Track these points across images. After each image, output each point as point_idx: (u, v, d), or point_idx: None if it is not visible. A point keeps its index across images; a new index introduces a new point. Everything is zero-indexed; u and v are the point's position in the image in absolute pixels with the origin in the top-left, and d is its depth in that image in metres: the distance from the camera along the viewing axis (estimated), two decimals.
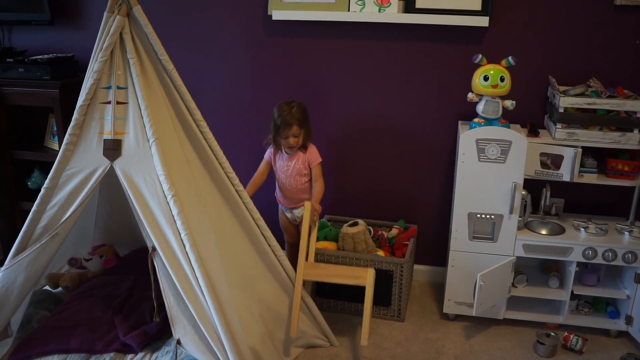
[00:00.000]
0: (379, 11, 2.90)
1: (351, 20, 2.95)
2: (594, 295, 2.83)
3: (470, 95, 2.70)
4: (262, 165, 3.02)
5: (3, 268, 2.31)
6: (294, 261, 2.66)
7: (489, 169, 2.65)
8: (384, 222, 3.25)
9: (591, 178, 2.71)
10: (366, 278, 2.53)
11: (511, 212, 2.68)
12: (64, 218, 2.26)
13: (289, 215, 3.09)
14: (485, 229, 2.75)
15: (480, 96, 2.69)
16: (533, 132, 2.78)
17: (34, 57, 3.20)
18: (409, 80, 3.05)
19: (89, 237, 3.07)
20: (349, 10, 2.93)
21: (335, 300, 2.97)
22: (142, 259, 2.30)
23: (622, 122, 2.61)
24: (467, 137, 2.65)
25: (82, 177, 2.23)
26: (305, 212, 2.64)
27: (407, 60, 3.02)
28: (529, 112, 2.93)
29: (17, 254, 2.29)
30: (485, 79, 2.62)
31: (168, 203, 2.17)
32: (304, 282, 2.61)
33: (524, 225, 2.81)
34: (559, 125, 2.66)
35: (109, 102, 2.22)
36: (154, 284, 2.24)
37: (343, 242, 2.92)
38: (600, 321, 2.80)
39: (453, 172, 3.04)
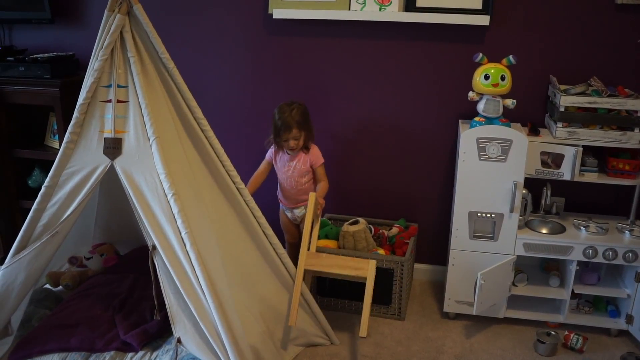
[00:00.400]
0: (380, 10, 2.90)
1: (352, 19, 2.95)
2: (595, 294, 2.83)
3: (470, 94, 2.69)
4: (263, 165, 3.02)
5: (3, 266, 2.31)
6: (294, 261, 2.66)
7: (490, 168, 2.65)
8: (384, 220, 3.25)
9: (592, 177, 2.71)
10: (367, 270, 2.54)
11: (512, 211, 2.68)
12: (65, 216, 2.26)
13: (289, 214, 3.10)
14: (485, 227, 2.75)
15: (481, 95, 2.69)
16: (534, 131, 2.78)
17: (34, 56, 3.20)
18: (409, 79, 3.05)
19: (90, 236, 3.07)
20: (349, 9, 2.93)
21: (335, 299, 2.98)
22: (143, 258, 2.30)
23: (623, 121, 2.60)
24: (468, 136, 2.65)
25: (83, 175, 2.23)
26: (310, 203, 2.65)
27: (407, 59, 3.02)
28: (530, 111, 2.92)
29: (17, 252, 2.29)
30: (486, 77, 2.61)
31: (168, 201, 2.17)
32: (305, 276, 2.61)
33: (525, 224, 2.81)
34: (559, 124, 2.66)
35: (110, 101, 2.22)
36: (154, 283, 2.24)
37: (344, 240, 2.92)
38: (600, 320, 2.79)
39: (454, 171, 3.04)
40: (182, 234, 2.15)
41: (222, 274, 2.23)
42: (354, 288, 2.72)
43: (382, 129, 3.15)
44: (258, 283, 2.46)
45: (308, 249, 2.64)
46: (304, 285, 2.61)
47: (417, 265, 3.32)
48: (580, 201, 2.97)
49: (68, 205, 2.26)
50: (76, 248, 2.98)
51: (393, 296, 2.88)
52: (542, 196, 2.84)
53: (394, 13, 2.89)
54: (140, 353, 2.32)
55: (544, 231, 2.76)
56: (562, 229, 2.77)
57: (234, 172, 2.43)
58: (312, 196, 2.65)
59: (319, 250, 2.80)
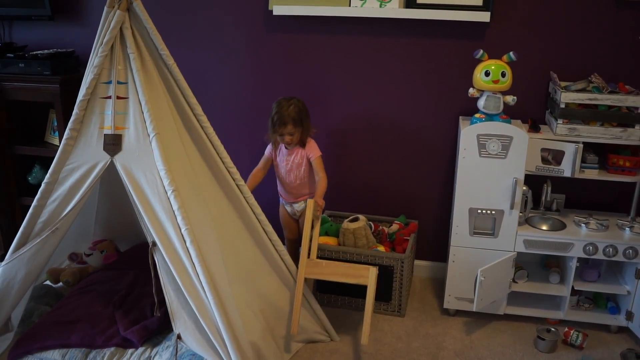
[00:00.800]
0: (380, 6, 2.89)
1: (352, 16, 2.94)
2: (595, 291, 2.83)
3: (471, 90, 2.69)
4: (262, 161, 3.03)
5: (3, 263, 2.31)
6: (293, 257, 2.66)
7: (490, 165, 2.65)
8: (384, 217, 3.25)
9: (592, 174, 2.71)
10: (368, 277, 2.52)
11: (512, 207, 2.68)
12: (65, 213, 2.26)
13: (289, 209, 3.10)
14: (486, 224, 2.75)
15: (482, 92, 2.68)
16: (534, 128, 2.78)
17: (34, 53, 3.20)
18: (409, 75, 3.05)
19: (90, 232, 3.07)
20: (350, 5, 2.93)
21: (336, 296, 2.98)
22: (143, 254, 2.30)
23: (624, 118, 2.60)
24: (468, 133, 2.64)
25: (83, 172, 2.23)
26: (308, 210, 2.64)
27: (408, 56, 3.02)
28: (530, 108, 2.92)
29: (17, 248, 2.29)
30: (487, 74, 2.61)
31: (168, 198, 2.17)
32: (305, 279, 2.61)
33: (525, 221, 2.81)
34: (560, 121, 2.66)
35: (109, 97, 2.21)
36: (154, 279, 2.24)
37: (344, 237, 2.92)
38: (600, 317, 2.80)
39: (454, 168, 3.04)
40: (182, 230, 2.15)
41: (222, 270, 2.23)
42: (354, 285, 2.71)
43: (382, 126, 3.15)
44: (258, 280, 2.46)
45: (308, 256, 2.63)
46: (306, 287, 2.60)
47: (417, 262, 3.32)
48: (580, 198, 2.97)
49: (68, 202, 2.26)
50: (76, 245, 2.99)
51: (393, 293, 2.88)
52: (543, 193, 2.84)
53: (395, 9, 2.88)
54: (141, 349, 2.33)
55: (544, 228, 2.76)
56: (563, 226, 2.77)
57: (234, 169, 2.43)
58: (310, 202, 2.65)
59: (319, 247, 2.80)
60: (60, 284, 2.84)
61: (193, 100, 2.34)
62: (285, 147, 2.94)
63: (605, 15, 2.76)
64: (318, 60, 3.12)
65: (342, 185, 3.29)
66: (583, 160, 2.69)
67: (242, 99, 3.29)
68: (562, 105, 2.63)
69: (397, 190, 3.24)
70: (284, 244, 2.90)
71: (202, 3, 3.16)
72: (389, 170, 3.22)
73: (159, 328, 2.40)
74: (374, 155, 3.21)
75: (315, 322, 2.66)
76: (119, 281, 2.74)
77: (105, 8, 2.16)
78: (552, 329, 2.69)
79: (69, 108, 2.33)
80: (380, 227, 3.12)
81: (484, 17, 2.79)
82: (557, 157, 2.70)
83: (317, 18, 3.02)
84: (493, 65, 2.61)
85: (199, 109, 2.35)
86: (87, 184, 2.23)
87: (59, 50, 3.29)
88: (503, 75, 2.60)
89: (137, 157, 2.21)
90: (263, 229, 2.50)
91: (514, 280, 2.81)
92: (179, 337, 2.19)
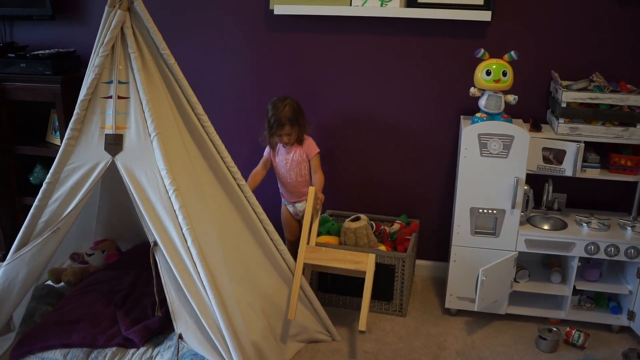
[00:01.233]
0: (381, 5, 2.89)
1: (353, 15, 2.94)
2: (596, 291, 2.82)
3: (472, 89, 2.69)
4: (262, 162, 3.05)
5: (5, 263, 2.31)
6: (293, 259, 2.66)
7: (491, 164, 2.64)
8: (386, 217, 3.25)
9: (594, 173, 2.70)
10: (366, 263, 2.54)
11: (513, 207, 2.67)
12: (66, 213, 2.26)
13: (291, 209, 3.11)
14: (487, 224, 2.75)
15: (483, 91, 2.68)
16: (535, 127, 2.78)
17: (35, 52, 3.20)
18: (411, 75, 3.04)
19: (91, 232, 3.07)
20: (350, 5, 2.93)
21: (337, 295, 2.98)
22: (144, 254, 2.30)
23: (625, 117, 2.60)
24: (469, 132, 2.64)
25: (84, 172, 2.24)
26: (309, 197, 2.66)
27: (409, 55, 3.02)
28: (532, 107, 2.92)
29: (19, 248, 2.29)
30: (488, 73, 2.61)
31: (169, 198, 2.17)
32: (305, 271, 2.61)
33: (526, 221, 2.81)
34: (561, 120, 2.65)
35: (110, 97, 2.22)
36: (155, 279, 2.24)
37: (345, 237, 2.92)
38: (602, 316, 2.79)
39: (455, 167, 3.04)
40: (184, 230, 2.15)
41: (224, 270, 2.23)
42: (355, 284, 2.72)
43: (383, 125, 3.15)
44: (259, 279, 2.46)
45: (307, 243, 2.64)
46: (305, 281, 2.61)
47: (418, 262, 3.32)
48: (582, 197, 2.96)
49: (69, 202, 2.26)
50: (78, 244, 2.99)
51: (394, 292, 2.88)
52: (544, 192, 2.84)
53: (396, 9, 2.88)
54: (142, 349, 2.33)
55: (546, 227, 2.76)
56: (564, 225, 2.77)
57: (235, 168, 2.43)
58: (311, 190, 2.67)
59: (320, 246, 2.80)
60: (62, 283, 2.84)
61: (194, 99, 2.34)
62: (283, 146, 2.96)
63: (606, 14, 2.76)
64: (319, 59, 3.12)
65: (344, 185, 3.29)
66: (584, 160, 2.68)
67: (243, 99, 3.29)
68: (564, 105, 2.62)
69: (398, 190, 3.24)
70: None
71: (202, 2, 3.16)
72: (390, 170, 3.22)
73: (160, 328, 2.40)
74: (376, 154, 3.21)
75: (316, 321, 2.66)
76: (121, 281, 2.74)
77: (106, 8, 2.16)
78: (554, 329, 2.69)
79: (70, 108, 2.33)
80: (382, 227, 3.12)
81: (485, 16, 2.79)
82: (558, 156, 2.70)
83: (318, 17, 3.02)
84: (494, 64, 2.60)
85: (199, 109, 2.35)
86: (88, 184, 2.24)
87: (60, 50, 3.29)
88: (504, 74, 2.60)
89: (138, 156, 2.21)
90: (264, 228, 2.50)
91: (515, 280, 2.80)
92: (180, 336, 2.19)
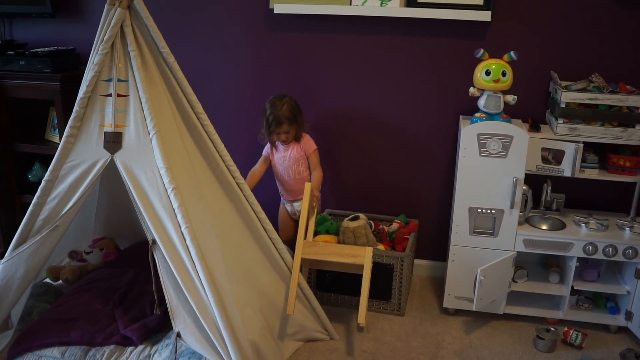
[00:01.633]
0: (381, 5, 2.89)
1: (353, 14, 2.94)
2: (594, 291, 2.82)
3: (471, 89, 2.69)
4: (260, 161, 3.06)
5: (3, 260, 2.31)
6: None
7: (490, 164, 2.65)
8: (384, 216, 3.25)
9: (592, 174, 2.71)
10: (364, 257, 2.55)
11: (512, 207, 2.68)
12: (64, 211, 2.26)
13: (289, 208, 3.11)
14: (485, 223, 2.75)
15: (482, 91, 2.68)
16: (534, 127, 2.78)
17: (34, 50, 3.19)
18: (410, 74, 3.05)
19: (90, 230, 3.07)
20: (350, 4, 2.93)
21: (335, 294, 2.98)
22: (143, 252, 2.30)
23: (624, 118, 2.60)
24: (469, 132, 2.64)
25: (83, 169, 2.23)
26: (305, 192, 2.66)
27: (408, 55, 3.02)
28: (531, 107, 2.92)
29: (17, 246, 2.29)
30: (487, 73, 2.61)
31: (169, 196, 2.17)
32: (302, 268, 2.62)
33: (525, 221, 2.81)
34: (560, 121, 2.66)
35: (110, 95, 2.21)
36: (154, 277, 2.24)
37: (344, 236, 2.92)
38: (600, 317, 2.80)
39: (454, 167, 3.04)
40: (182, 228, 2.15)
41: (222, 268, 2.23)
42: (353, 283, 2.72)
43: (383, 124, 3.15)
44: (258, 278, 2.46)
45: (305, 238, 2.65)
46: (303, 279, 2.61)
47: (417, 261, 3.32)
48: (580, 198, 2.97)
49: (68, 200, 2.26)
50: (76, 242, 2.99)
51: (393, 292, 2.89)
52: (543, 192, 2.84)
53: (396, 8, 2.88)
54: (140, 347, 2.33)
55: (544, 227, 2.76)
56: (563, 226, 2.77)
57: (234, 167, 2.43)
58: (307, 186, 2.67)
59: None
60: (60, 281, 2.84)
61: (193, 98, 2.34)
62: (281, 144, 2.98)
63: (606, 14, 2.76)
64: (318, 58, 3.12)
65: (343, 184, 3.29)
66: (583, 160, 2.69)
67: (242, 97, 3.29)
68: (563, 105, 2.62)
69: (397, 189, 3.24)
70: None
71: (203, 1, 3.16)
72: (389, 169, 3.22)
73: (158, 326, 2.40)
74: (375, 154, 3.21)
75: (314, 320, 2.66)
76: (119, 279, 2.74)
77: (106, 5, 2.16)
78: (552, 329, 2.69)
79: (70, 106, 2.33)
80: (381, 226, 3.12)
81: (485, 16, 2.79)
82: (557, 156, 2.70)
83: (318, 16, 3.02)
84: (494, 64, 2.61)
85: (199, 107, 2.35)
86: (87, 182, 2.23)
87: (59, 47, 3.29)
88: (504, 74, 2.60)
89: (137, 154, 2.21)
90: (263, 227, 2.50)
91: (513, 280, 2.81)
92: (178, 335, 2.20)
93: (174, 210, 2.16)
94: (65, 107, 3.14)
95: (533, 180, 2.78)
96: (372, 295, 2.89)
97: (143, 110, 2.20)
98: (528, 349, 2.65)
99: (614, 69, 2.80)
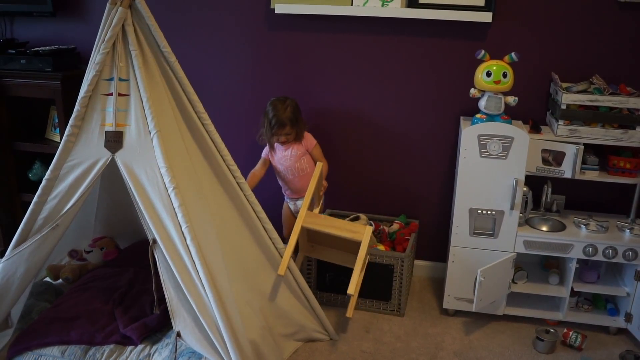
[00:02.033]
0: (382, 5, 2.89)
1: (354, 15, 2.94)
2: (594, 293, 2.82)
3: (472, 91, 2.69)
4: (260, 163, 3.08)
5: (3, 259, 2.31)
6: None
7: (491, 165, 2.65)
8: (385, 216, 3.25)
9: (593, 175, 2.71)
10: (362, 233, 2.56)
11: (512, 208, 2.68)
12: (65, 210, 2.26)
13: (292, 206, 3.12)
14: (486, 224, 2.75)
15: (483, 92, 2.68)
16: (535, 129, 2.78)
17: (35, 49, 3.19)
18: (411, 75, 3.05)
19: (90, 229, 3.07)
20: (352, 5, 2.93)
21: (335, 294, 2.98)
22: (143, 252, 2.30)
23: (625, 120, 2.60)
24: (469, 133, 2.64)
25: (83, 169, 2.23)
26: (316, 171, 2.69)
27: (409, 55, 3.02)
28: (531, 109, 2.92)
29: (17, 245, 2.29)
30: (488, 74, 2.61)
31: (169, 195, 2.17)
32: (298, 257, 2.65)
33: (525, 222, 2.81)
34: (561, 122, 2.66)
35: (111, 94, 2.21)
36: (154, 277, 2.24)
37: None
38: (599, 318, 2.80)
39: (454, 168, 3.04)
40: (183, 228, 2.15)
41: (223, 268, 2.23)
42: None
43: (383, 125, 3.15)
44: (258, 278, 2.46)
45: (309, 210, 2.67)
46: (302, 278, 2.61)
47: (417, 262, 3.32)
48: (580, 199, 2.97)
49: (68, 199, 2.25)
50: (76, 241, 2.98)
51: (393, 292, 2.89)
52: (543, 194, 2.84)
53: (397, 9, 2.88)
54: (140, 347, 2.33)
55: (544, 229, 2.76)
56: (563, 227, 2.77)
57: (235, 167, 2.43)
58: (319, 165, 2.70)
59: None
60: (60, 280, 2.84)
61: (194, 97, 2.34)
62: (281, 145, 2.99)
63: (606, 16, 2.76)
64: (319, 59, 3.12)
65: (343, 184, 3.30)
66: (583, 162, 2.69)
67: (243, 97, 3.29)
68: (563, 107, 2.63)
69: (397, 190, 3.24)
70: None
71: (204, 1, 3.16)
72: (390, 170, 3.22)
73: (158, 325, 2.40)
74: (375, 154, 3.21)
75: (314, 320, 2.66)
76: (119, 278, 2.74)
77: (108, 5, 2.16)
78: (551, 330, 2.69)
79: (70, 105, 2.33)
80: (381, 227, 3.12)
81: (486, 17, 2.79)
82: (557, 158, 2.70)
83: (319, 17, 3.02)
84: (494, 65, 2.61)
85: (200, 107, 2.35)
86: (87, 181, 2.23)
87: (60, 46, 3.29)
88: (504, 75, 2.60)
89: (138, 154, 2.21)
90: (263, 227, 2.50)
91: (513, 281, 2.81)
92: (178, 334, 2.20)
93: (174, 209, 2.16)
94: (66, 106, 3.14)
95: (533, 182, 2.78)
96: (372, 295, 2.89)
97: (144, 110, 2.19)
98: (528, 350, 2.65)
99: (615, 70, 2.81)
